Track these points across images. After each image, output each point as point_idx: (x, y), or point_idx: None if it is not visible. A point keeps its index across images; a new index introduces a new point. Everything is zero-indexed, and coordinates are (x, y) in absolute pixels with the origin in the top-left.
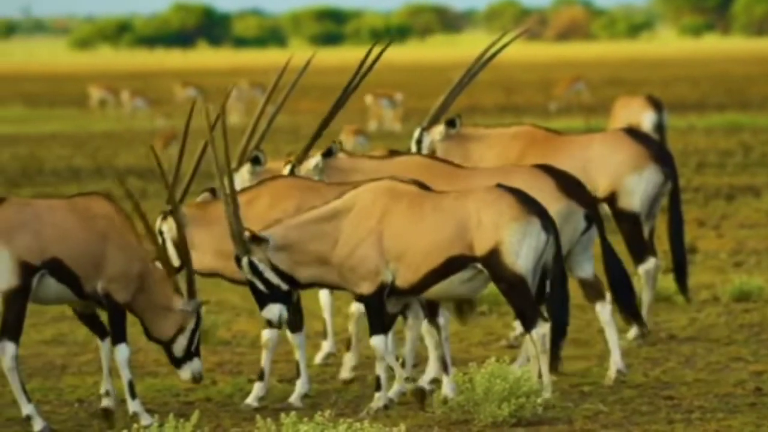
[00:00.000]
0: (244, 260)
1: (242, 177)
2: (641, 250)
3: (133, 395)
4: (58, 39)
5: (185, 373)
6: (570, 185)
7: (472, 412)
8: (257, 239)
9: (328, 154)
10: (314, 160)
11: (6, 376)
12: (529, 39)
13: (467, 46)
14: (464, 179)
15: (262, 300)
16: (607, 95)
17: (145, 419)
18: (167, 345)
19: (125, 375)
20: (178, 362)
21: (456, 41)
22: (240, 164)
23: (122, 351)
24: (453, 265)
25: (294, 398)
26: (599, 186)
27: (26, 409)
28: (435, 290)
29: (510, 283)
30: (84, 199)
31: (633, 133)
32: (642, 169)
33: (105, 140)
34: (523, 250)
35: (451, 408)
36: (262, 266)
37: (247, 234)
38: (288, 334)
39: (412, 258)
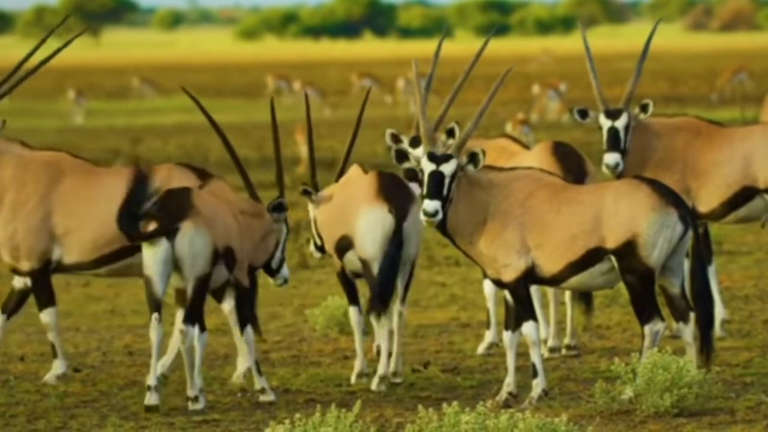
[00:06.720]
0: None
1: None
2: None
3: (260, 372)
4: (224, 29)
5: (280, 279)
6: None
7: (635, 403)
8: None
9: None
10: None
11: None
12: (694, 29)
13: (632, 37)
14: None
15: None
16: None
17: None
18: (268, 263)
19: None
20: (273, 273)
21: (620, 32)
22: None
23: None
24: (591, 256)
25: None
26: (760, 177)
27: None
28: (574, 281)
29: (639, 276)
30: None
31: None
32: None
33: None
34: (659, 242)
35: (613, 398)
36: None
37: None
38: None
39: (551, 248)
